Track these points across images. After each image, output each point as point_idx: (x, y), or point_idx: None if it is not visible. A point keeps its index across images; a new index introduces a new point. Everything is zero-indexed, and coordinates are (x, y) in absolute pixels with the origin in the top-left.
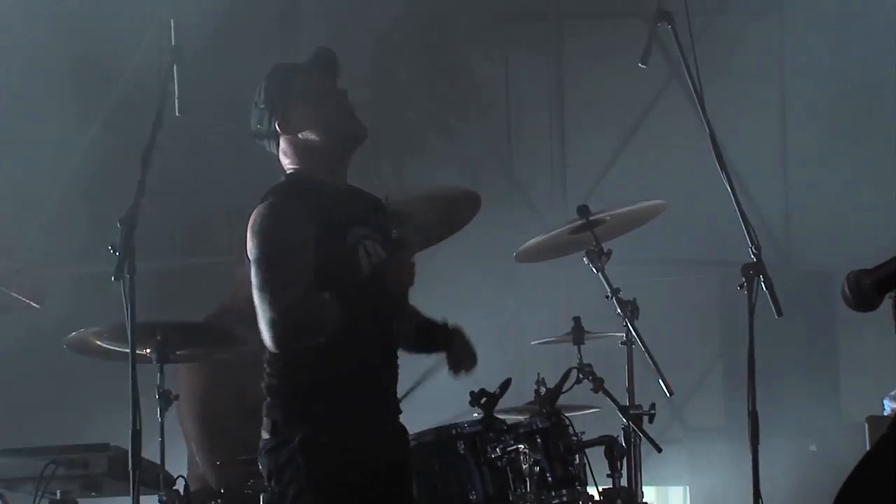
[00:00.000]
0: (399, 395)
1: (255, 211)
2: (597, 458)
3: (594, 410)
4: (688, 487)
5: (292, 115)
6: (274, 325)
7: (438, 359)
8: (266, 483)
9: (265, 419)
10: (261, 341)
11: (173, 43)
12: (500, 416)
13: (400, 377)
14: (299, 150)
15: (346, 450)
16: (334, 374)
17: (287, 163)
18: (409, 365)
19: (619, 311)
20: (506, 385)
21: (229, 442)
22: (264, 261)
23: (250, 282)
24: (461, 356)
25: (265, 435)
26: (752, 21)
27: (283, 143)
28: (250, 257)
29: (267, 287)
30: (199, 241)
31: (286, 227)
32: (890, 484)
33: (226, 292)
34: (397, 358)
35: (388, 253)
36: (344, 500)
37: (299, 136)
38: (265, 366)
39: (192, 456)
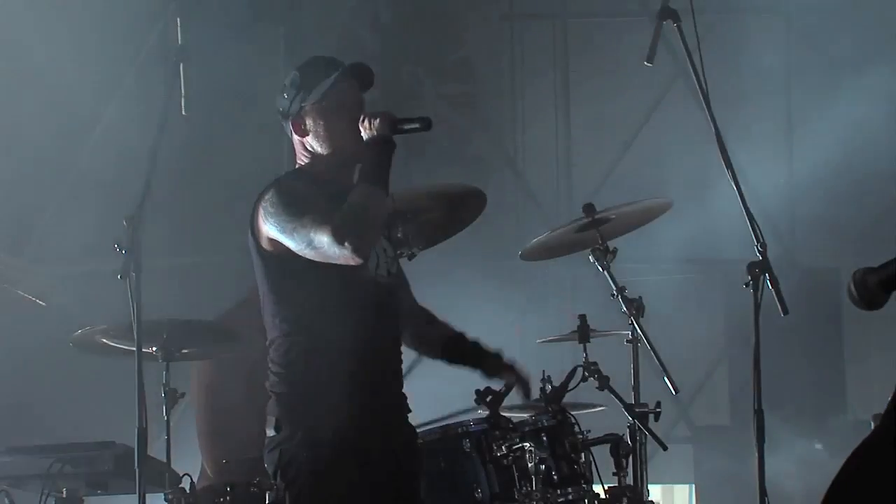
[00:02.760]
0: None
1: (258, 203)
2: (602, 457)
3: (600, 409)
4: (693, 486)
5: (305, 122)
6: (344, 239)
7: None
8: (272, 480)
9: (269, 417)
10: (265, 340)
11: (179, 42)
12: (506, 415)
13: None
14: (308, 149)
15: (348, 447)
16: (334, 371)
17: (298, 151)
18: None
19: (624, 309)
20: (511, 383)
21: (236, 439)
22: (295, 219)
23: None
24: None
25: (270, 433)
26: (758, 18)
27: (296, 137)
28: (279, 235)
29: (312, 230)
30: (206, 239)
31: (295, 191)
32: (886, 474)
33: (249, 287)
34: (400, 357)
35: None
36: (347, 497)
37: (307, 139)
38: (269, 364)
39: (202, 449)
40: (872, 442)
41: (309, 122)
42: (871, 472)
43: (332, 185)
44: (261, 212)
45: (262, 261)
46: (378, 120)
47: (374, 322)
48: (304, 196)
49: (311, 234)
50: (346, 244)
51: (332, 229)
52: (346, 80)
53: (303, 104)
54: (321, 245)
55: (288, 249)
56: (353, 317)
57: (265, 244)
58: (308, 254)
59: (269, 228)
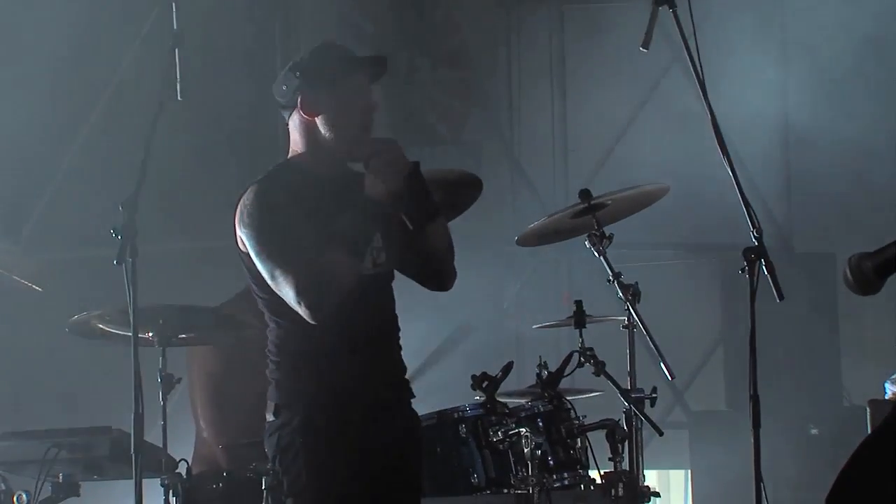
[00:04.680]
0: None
1: (240, 200)
2: (598, 442)
3: (596, 394)
4: (689, 471)
5: (317, 100)
6: (301, 301)
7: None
8: (269, 465)
9: (269, 402)
10: (264, 326)
11: (175, 27)
12: (502, 400)
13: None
14: (309, 130)
15: (345, 433)
16: (331, 357)
17: (294, 138)
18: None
19: (620, 294)
20: (507, 368)
21: (239, 424)
22: (265, 248)
23: (246, 267)
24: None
25: (269, 418)
26: (753, 2)
27: (296, 117)
28: (249, 251)
29: (278, 271)
30: (204, 224)
31: (272, 209)
32: (889, 468)
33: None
34: (398, 340)
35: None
36: (343, 482)
37: (317, 120)
38: (267, 352)
39: (199, 434)
40: (875, 439)
41: (321, 107)
42: (874, 470)
43: (322, 183)
44: (238, 214)
45: (244, 256)
46: (406, 171)
47: (363, 312)
48: (283, 225)
49: (277, 277)
50: (303, 306)
51: (295, 287)
52: (363, 69)
53: (317, 90)
54: (282, 292)
55: None
56: (343, 306)
57: (240, 244)
58: (270, 284)
59: (242, 237)
